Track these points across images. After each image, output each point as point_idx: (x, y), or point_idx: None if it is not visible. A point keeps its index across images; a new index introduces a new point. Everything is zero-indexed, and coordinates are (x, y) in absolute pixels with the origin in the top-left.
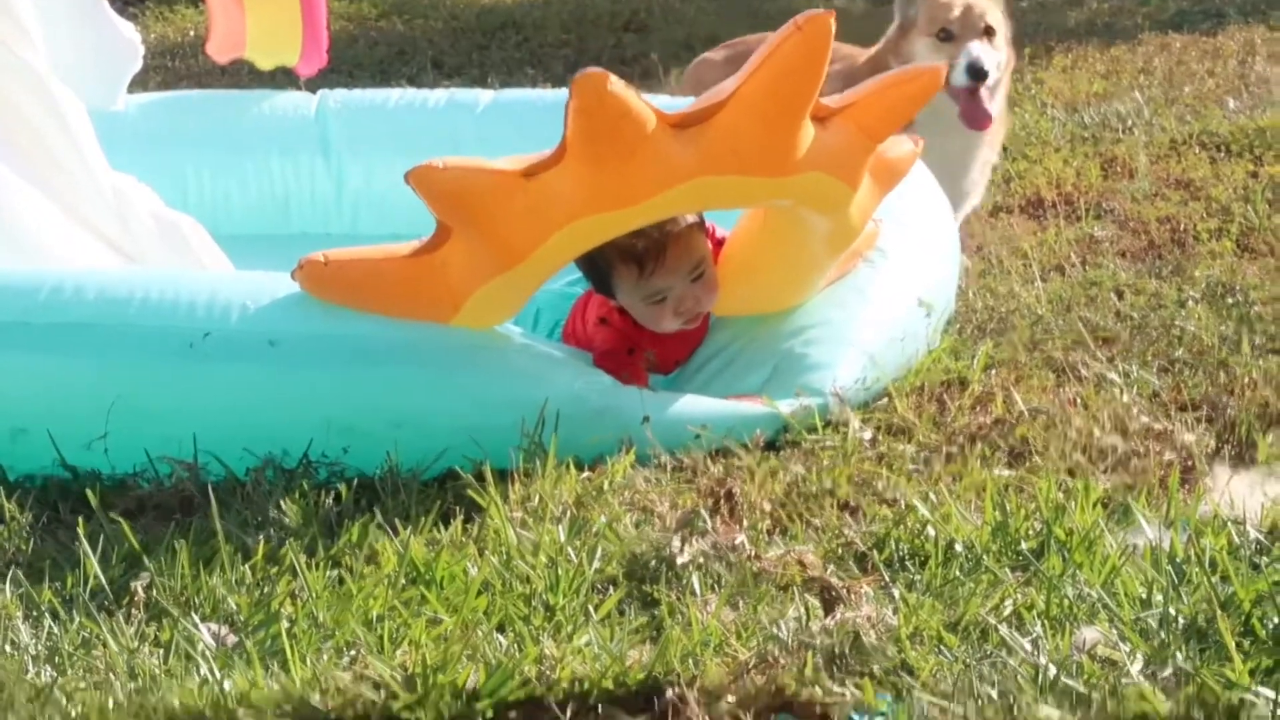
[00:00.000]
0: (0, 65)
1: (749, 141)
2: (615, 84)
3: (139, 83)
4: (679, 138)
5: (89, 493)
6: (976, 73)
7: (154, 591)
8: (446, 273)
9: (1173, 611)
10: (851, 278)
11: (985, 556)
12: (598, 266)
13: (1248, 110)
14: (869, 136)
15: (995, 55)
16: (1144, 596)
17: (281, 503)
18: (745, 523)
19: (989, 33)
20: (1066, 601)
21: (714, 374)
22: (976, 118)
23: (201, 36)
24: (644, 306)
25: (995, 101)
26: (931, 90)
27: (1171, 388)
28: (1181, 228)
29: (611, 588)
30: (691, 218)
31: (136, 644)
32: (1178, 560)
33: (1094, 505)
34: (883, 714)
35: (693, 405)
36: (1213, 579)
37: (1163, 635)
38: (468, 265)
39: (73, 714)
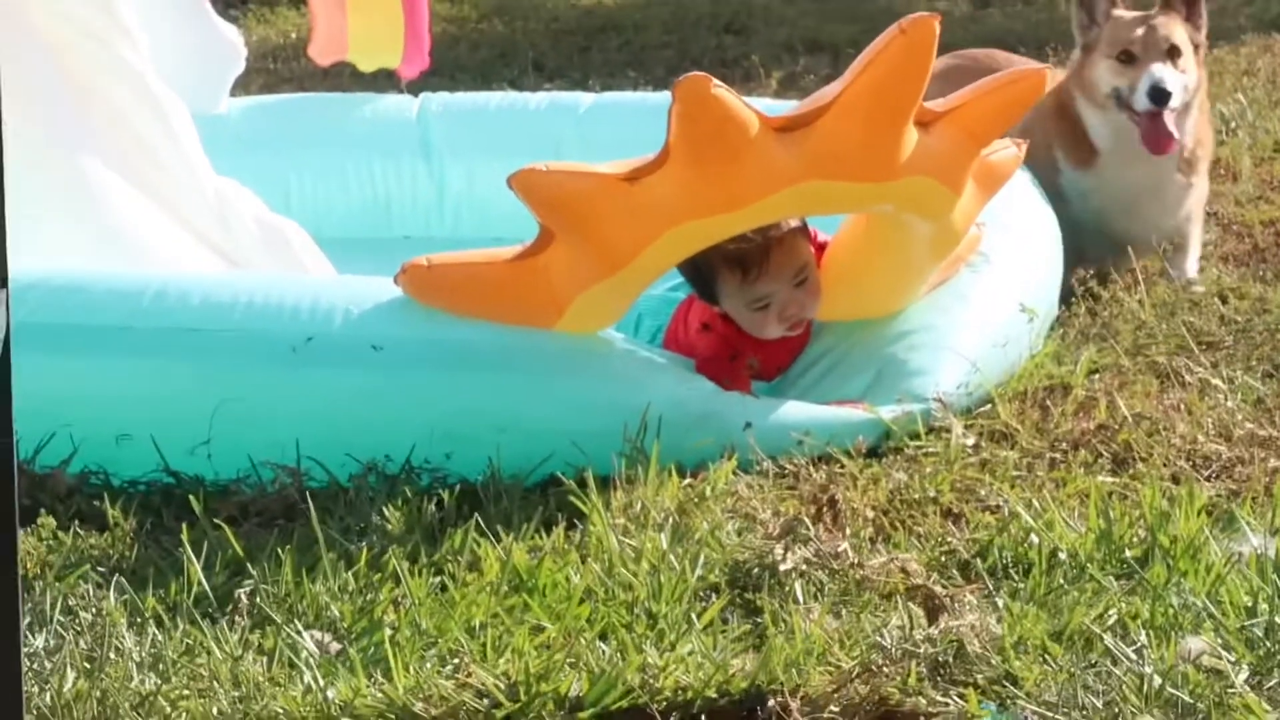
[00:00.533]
0: (102, 65)
1: (852, 146)
2: (718, 88)
3: (241, 85)
4: (782, 141)
5: (192, 499)
6: (1158, 95)
7: (257, 598)
8: (549, 277)
9: (1279, 620)
10: (954, 282)
11: (1089, 565)
12: (701, 272)
13: None
14: (974, 141)
15: (1180, 78)
16: (1249, 605)
17: (384, 509)
18: (848, 530)
19: (1173, 54)
20: (1171, 610)
21: (816, 380)
22: (1159, 140)
23: (303, 39)
24: (748, 312)
25: (1188, 125)
26: (1037, 92)
27: (1277, 393)
28: None
29: (714, 595)
30: (794, 222)
31: (240, 651)
32: None
33: (1198, 513)
34: None
35: (795, 411)
36: None
37: (1269, 644)
38: (571, 270)
39: None
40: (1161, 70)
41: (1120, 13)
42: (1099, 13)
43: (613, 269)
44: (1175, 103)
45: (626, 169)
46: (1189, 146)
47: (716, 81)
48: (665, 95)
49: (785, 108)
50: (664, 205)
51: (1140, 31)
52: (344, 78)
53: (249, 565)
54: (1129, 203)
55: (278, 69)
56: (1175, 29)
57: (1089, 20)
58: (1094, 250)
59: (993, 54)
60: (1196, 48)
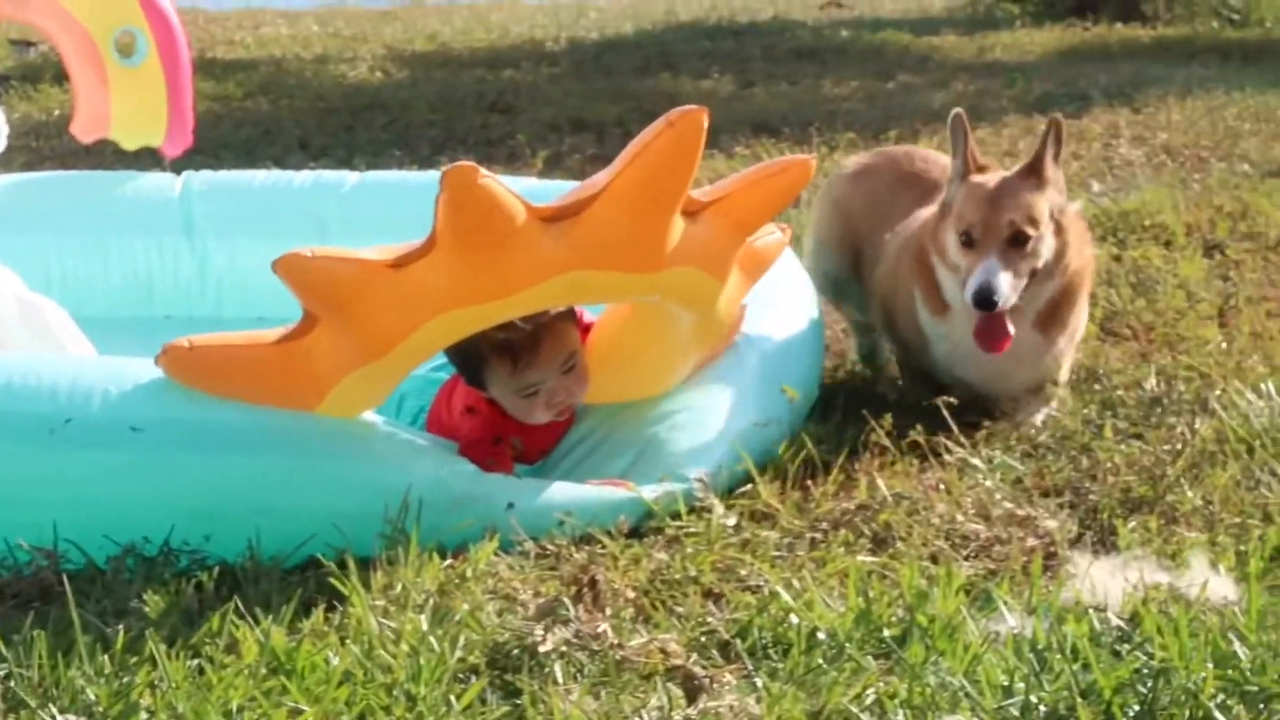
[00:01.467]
0: None
1: (620, 236)
2: (485, 178)
3: (2, 163)
4: (549, 231)
5: None
6: (982, 301)
7: (12, 682)
8: (311, 361)
9: (1034, 700)
10: (716, 362)
11: (848, 644)
12: (469, 359)
13: (1112, 193)
14: (740, 230)
15: (1008, 278)
16: (1006, 684)
17: (142, 591)
18: (608, 610)
19: (1016, 240)
20: (929, 690)
21: (578, 460)
22: (989, 340)
23: (66, 116)
24: (517, 399)
25: (1044, 292)
26: (802, 183)
27: (1034, 473)
28: None
29: (474, 677)
30: (561, 308)
31: None
32: (1039, 648)
33: (956, 592)
34: None
35: (557, 492)
36: (1074, 667)
37: None
38: (333, 354)
39: None
40: (989, 271)
41: (977, 179)
42: (967, 167)
43: (377, 354)
44: (1005, 304)
45: (393, 255)
46: (1040, 310)
47: (484, 171)
48: (430, 174)
49: (551, 187)
50: (430, 292)
51: (982, 214)
52: (106, 155)
53: (3, 649)
54: (980, 358)
55: (40, 146)
56: (1022, 205)
57: (960, 172)
58: (956, 392)
59: (911, 153)
60: (1053, 214)
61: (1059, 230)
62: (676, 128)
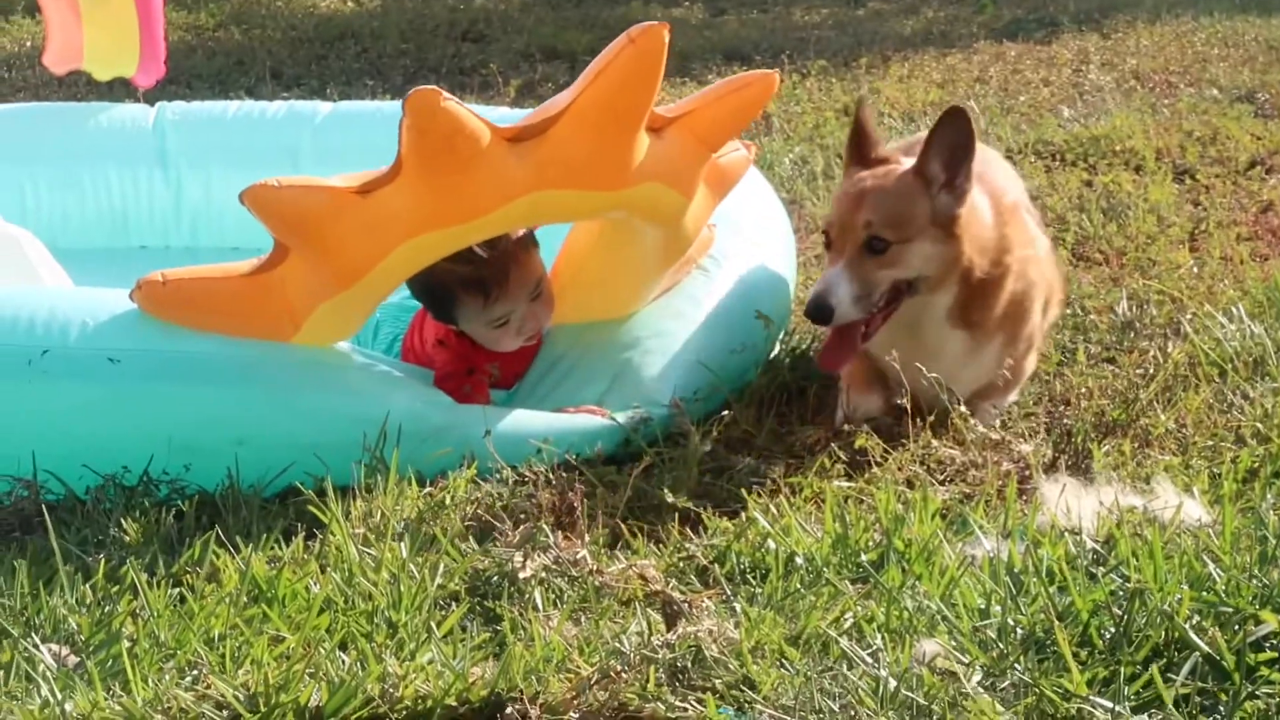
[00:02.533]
0: None
1: (583, 155)
2: (448, 100)
3: None
4: (514, 151)
5: None
6: (816, 313)
7: None
8: (285, 291)
9: (1011, 622)
10: (688, 286)
11: (826, 569)
12: (438, 297)
13: (1082, 119)
14: (705, 146)
15: (856, 290)
16: (983, 607)
17: (122, 521)
18: (587, 537)
19: (873, 248)
20: (906, 613)
21: (553, 387)
22: (826, 356)
23: (38, 47)
24: (488, 331)
25: (940, 302)
26: (766, 96)
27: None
28: None
29: (454, 604)
30: (522, 232)
31: None
32: (1016, 571)
33: (932, 516)
34: None
35: (534, 420)
36: (1050, 589)
37: (1001, 646)
38: (306, 283)
39: None
40: (829, 280)
41: (860, 174)
42: (858, 156)
43: (348, 282)
44: (841, 319)
45: (359, 182)
46: (951, 307)
47: (446, 94)
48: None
49: (524, 116)
50: (398, 218)
51: (840, 214)
52: (80, 86)
53: None
54: (894, 347)
55: (12, 78)
56: (886, 207)
57: (847, 162)
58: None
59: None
60: (941, 218)
61: (949, 237)
62: (637, 44)
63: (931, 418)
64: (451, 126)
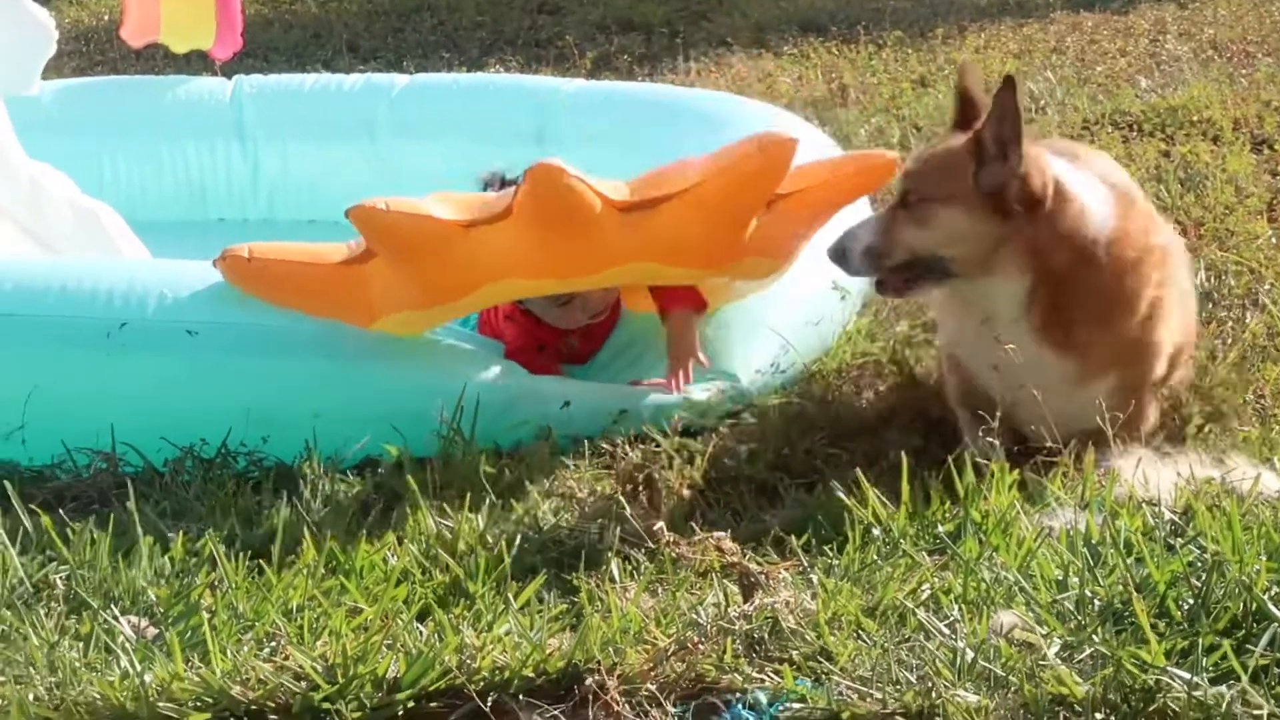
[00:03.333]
0: None
1: (690, 239)
2: (570, 178)
3: (53, 68)
4: (623, 221)
5: (7, 485)
6: (831, 253)
7: (73, 584)
8: (369, 288)
9: (1089, 594)
10: None
11: (902, 540)
12: None
13: (1159, 89)
14: (814, 220)
15: (879, 239)
16: (1060, 579)
17: (201, 494)
18: (664, 509)
19: (907, 201)
20: (983, 584)
21: (629, 362)
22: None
23: (116, 21)
24: (553, 308)
25: (1003, 290)
26: (884, 182)
27: None
28: None
29: (531, 575)
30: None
31: (56, 637)
32: (1093, 543)
33: (1010, 488)
34: (802, 699)
35: (610, 393)
36: (1128, 561)
37: (1079, 618)
38: (391, 290)
39: None
40: (856, 228)
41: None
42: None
43: (431, 303)
44: (854, 262)
45: (466, 216)
46: (1036, 318)
47: (569, 170)
48: (479, 76)
49: (600, 89)
50: (496, 258)
51: (904, 167)
52: (157, 60)
53: (65, 550)
54: (984, 360)
55: (90, 51)
56: (926, 164)
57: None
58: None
59: (1075, 148)
60: (1001, 190)
61: (995, 213)
62: (767, 154)
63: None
64: (570, 202)
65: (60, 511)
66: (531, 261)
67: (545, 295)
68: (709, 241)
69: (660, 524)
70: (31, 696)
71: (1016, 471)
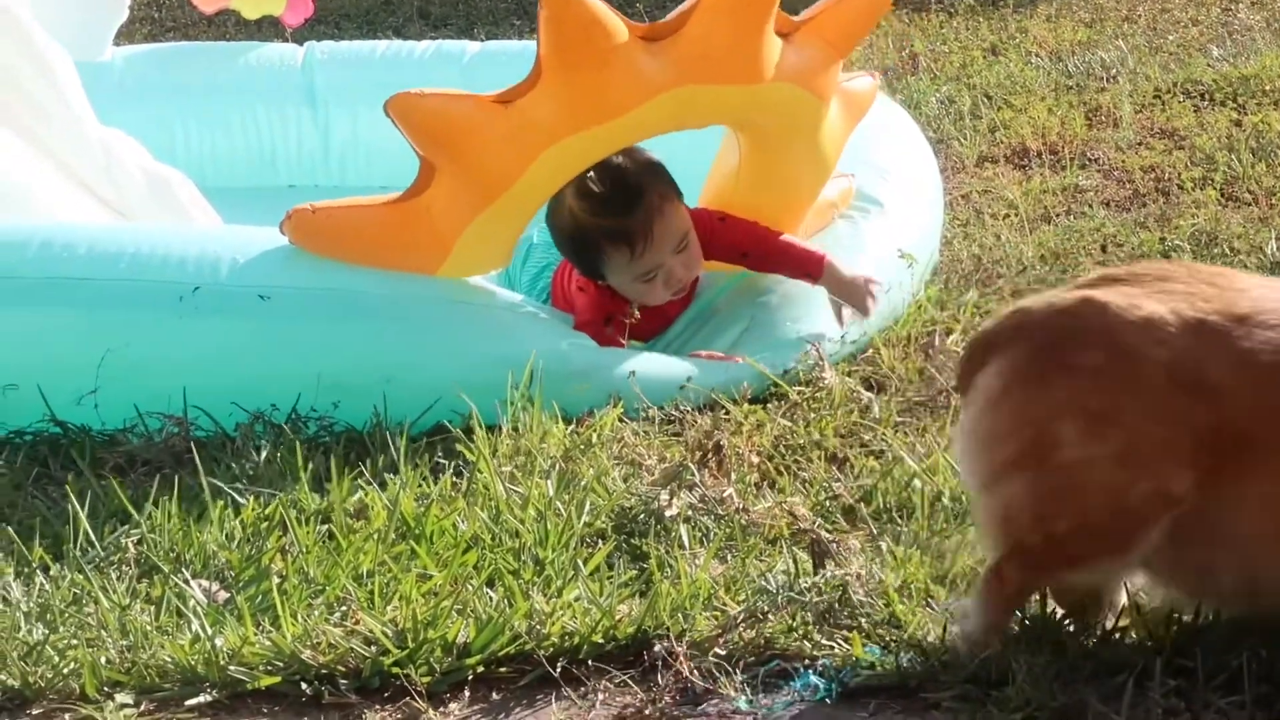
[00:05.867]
0: None
1: (719, 48)
2: None
3: (125, 34)
4: (650, 49)
5: (75, 452)
6: None
7: (144, 548)
8: (432, 216)
9: None
10: (832, 230)
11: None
12: (586, 252)
13: (1231, 58)
14: (833, 49)
15: None
16: None
17: (271, 459)
18: (733, 476)
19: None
20: None
21: (695, 330)
22: None
23: None
24: (637, 285)
25: None
26: (888, 2)
27: None
28: (1166, 177)
29: (600, 541)
30: (665, 188)
31: (128, 601)
32: None
33: None
34: (871, 666)
35: (677, 363)
36: None
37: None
38: (452, 204)
39: (65, 671)
40: None
41: None
42: None
43: (494, 195)
44: None
45: (500, 91)
46: None
47: None
48: None
49: None
50: (540, 123)
51: None
52: (229, 26)
53: (136, 515)
54: None
55: (162, 17)
56: None
57: None
58: None
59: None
60: None
61: None
62: None
63: None
64: (588, 19)
65: (132, 475)
66: (575, 113)
67: (608, 218)
68: (735, 47)
69: (729, 490)
70: (103, 659)
71: None
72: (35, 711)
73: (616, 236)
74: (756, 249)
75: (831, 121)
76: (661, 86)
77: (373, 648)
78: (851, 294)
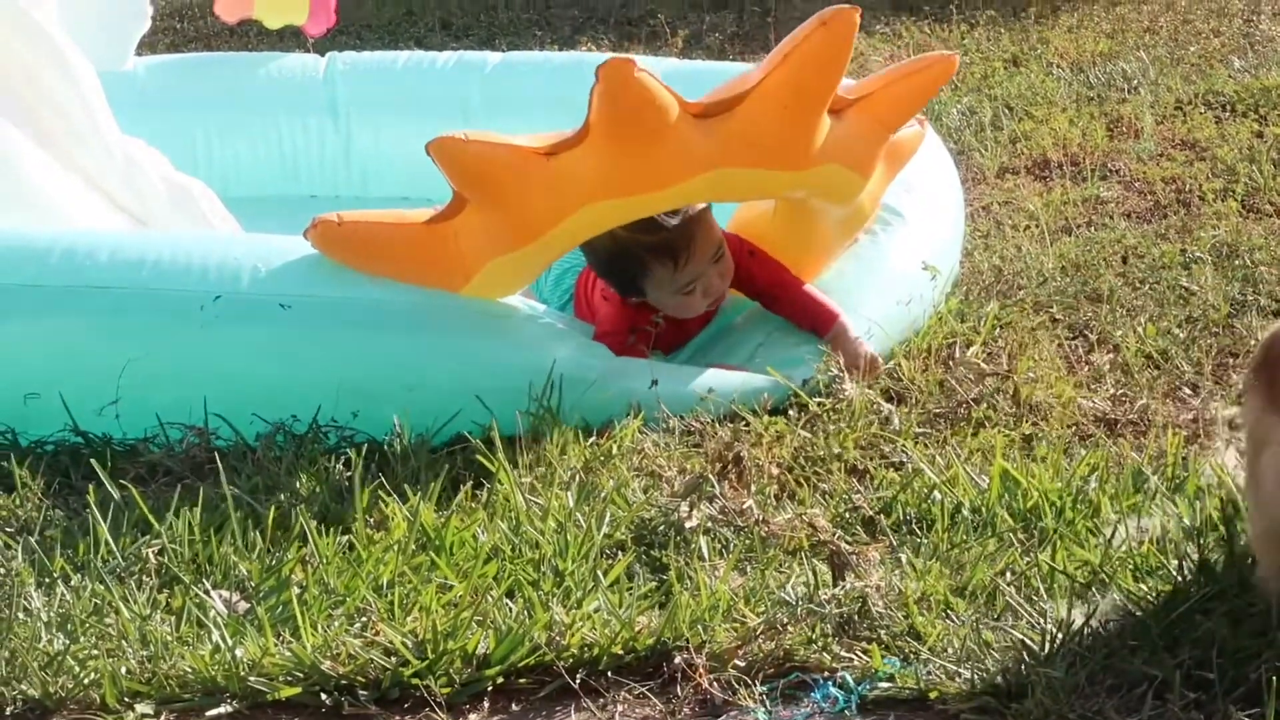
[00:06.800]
0: (13, 26)
1: (769, 134)
2: (641, 72)
3: (147, 44)
4: (700, 127)
5: (96, 461)
6: None
7: (165, 558)
8: (459, 243)
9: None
10: (855, 247)
11: (995, 520)
12: (626, 269)
13: (1253, 70)
14: (884, 128)
15: None
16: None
17: (292, 468)
18: (753, 487)
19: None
20: (1072, 564)
21: (713, 343)
22: None
23: None
24: (677, 298)
25: None
26: (944, 79)
27: (1181, 347)
28: (1187, 188)
29: (620, 553)
30: (701, 205)
31: (148, 611)
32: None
33: (1098, 467)
34: (890, 679)
35: (697, 374)
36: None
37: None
38: (481, 238)
39: (85, 681)
40: None
41: None
42: None
43: (523, 241)
44: None
45: (546, 143)
46: None
47: (639, 65)
48: (571, 55)
49: (691, 67)
50: (581, 181)
51: None
52: (250, 36)
53: (156, 525)
54: None
55: (184, 27)
56: None
57: None
58: None
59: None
60: None
61: None
62: (829, 26)
63: None
64: (643, 97)
65: (153, 485)
66: (617, 179)
67: (646, 233)
68: (785, 135)
69: (749, 502)
70: (124, 670)
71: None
72: None
73: (660, 250)
74: (778, 293)
75: (872, 181)
76: (705, 164)
77: (393, 658)
78: (849, 357)
